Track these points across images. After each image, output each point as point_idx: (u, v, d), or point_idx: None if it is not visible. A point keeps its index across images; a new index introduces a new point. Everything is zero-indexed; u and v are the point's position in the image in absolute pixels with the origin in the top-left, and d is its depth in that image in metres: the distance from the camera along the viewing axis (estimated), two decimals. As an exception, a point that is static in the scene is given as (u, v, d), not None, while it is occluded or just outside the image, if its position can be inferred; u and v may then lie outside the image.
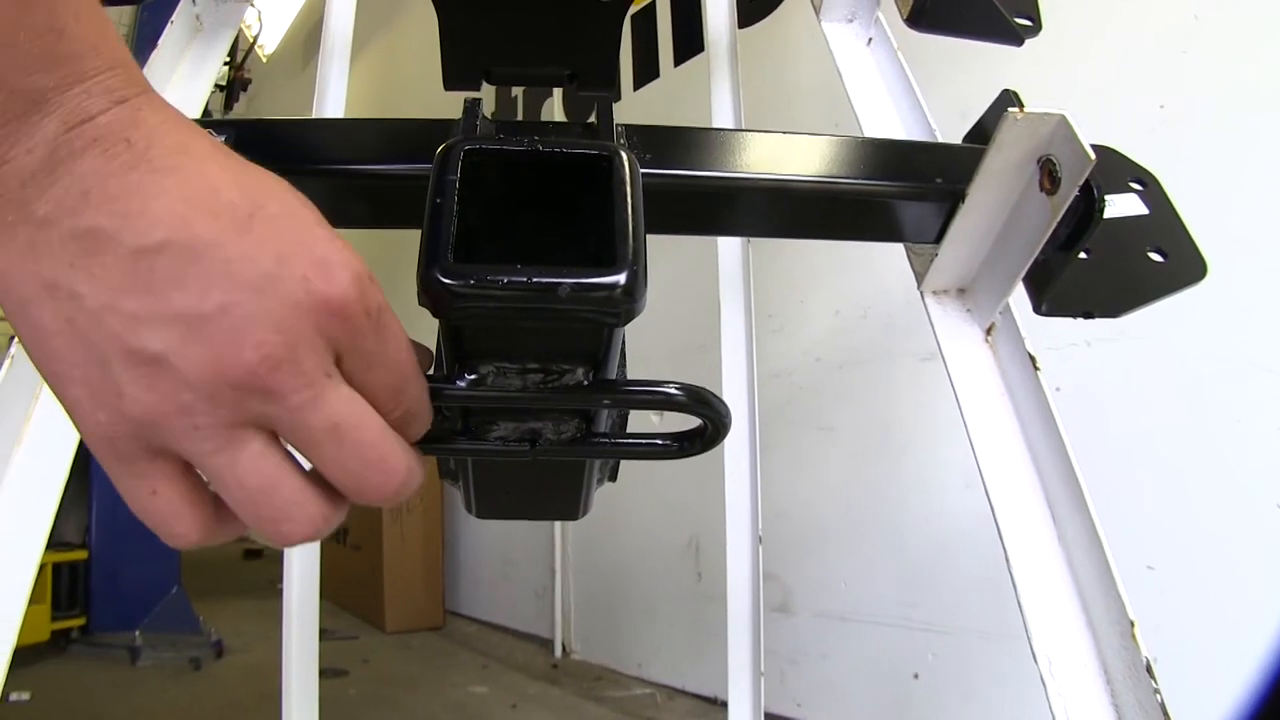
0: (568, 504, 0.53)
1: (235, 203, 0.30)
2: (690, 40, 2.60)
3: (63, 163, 0.29)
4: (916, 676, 1.85)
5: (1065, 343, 1.57)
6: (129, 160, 0.29)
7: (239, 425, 0.30)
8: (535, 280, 0.32)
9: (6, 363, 0.67)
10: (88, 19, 0.30)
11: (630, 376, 0.45)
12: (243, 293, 0.29)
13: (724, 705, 1.20)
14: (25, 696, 2.46)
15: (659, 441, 0.43)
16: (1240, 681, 0.63)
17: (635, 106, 2.76)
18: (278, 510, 0.31)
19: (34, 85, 0.29)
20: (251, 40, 5.58)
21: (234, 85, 5.33)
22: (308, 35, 5.88)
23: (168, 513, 0.31)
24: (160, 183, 0.29)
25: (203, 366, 0.29)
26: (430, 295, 0.33)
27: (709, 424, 0.41)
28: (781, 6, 2.31)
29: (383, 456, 0.32)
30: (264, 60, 6.68)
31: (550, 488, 0.54)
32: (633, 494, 2.61)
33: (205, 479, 0.32)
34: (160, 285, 0.28)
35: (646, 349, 2.33)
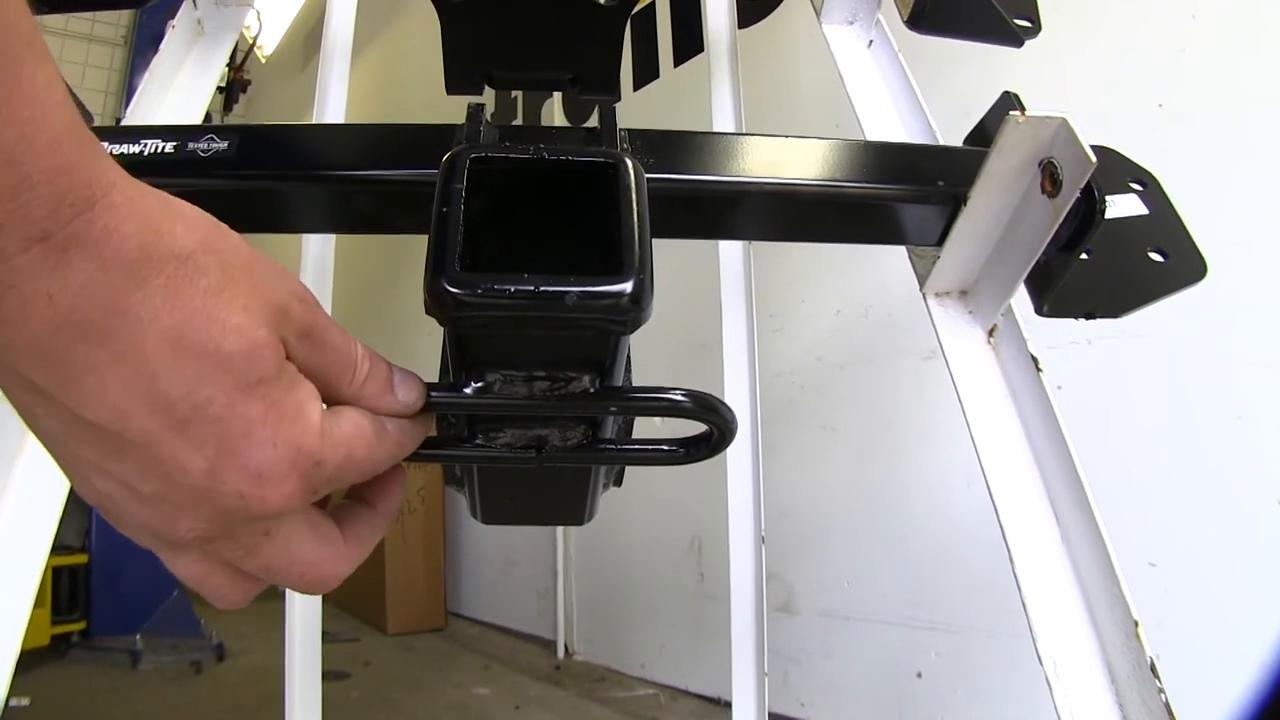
0: (573, 509, 0.54)
1: (173, 400, 0.27)
2: (690, 40, 2.60)
3: None
4: (920, 675, 1.85)
5: (1066, 341, 1.58)
6: (52, 320, 0.25)
7: (176, 548, 0.32)
8: (542, 289, 0.32)
9: (10, 370, 0.67)
10: (8, 112, 0.23)
11: (633, 375, 0.45)
12: (176, 492, 0.29)
13: (727, 705, 1.20)
14: (25, 702, 2.46)
15: (665, 447, 0.43)
16: (1242, 677, 0.63)
17: (635, 107, 2.76)
18: (206, 593, 0.35)
19: None
20: (251, 41, 5.57)
21: (233, 86, 5.32)
22: (307, 36, 5.87)
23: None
24: (91, 356, 0.26)
25: (142, 523, 0.30)
26: (437, 304, 0.33)
27: (715, 430, 0.41)
28: (781, 6, 2.31)
29: (309, 584, 0.34)
30: (263, 61, 6.68)
31: (556, 493, 0.54)
32: (634, 494, 2.61)
33: None
34: (103, 451, 0.28)
35: (648, 348, 2.34)
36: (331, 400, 0.34)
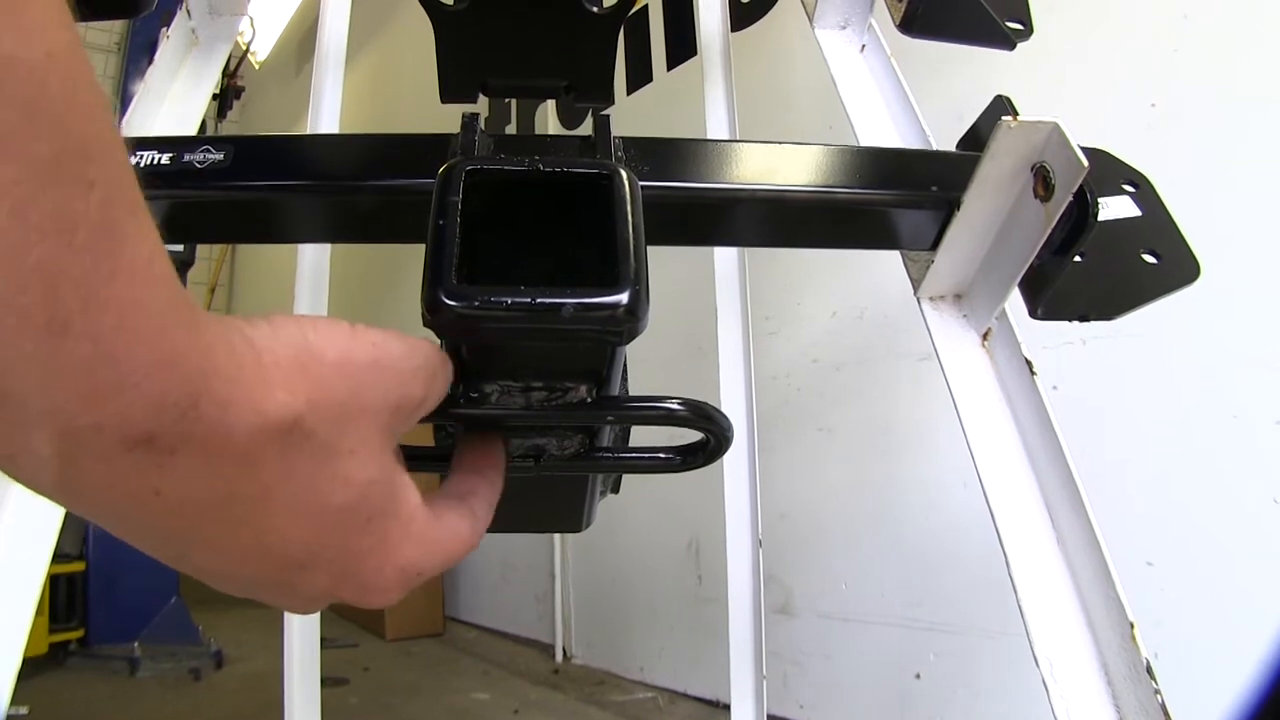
0: (571, 516, 0.54)
1: (290, 554, 0.28)
2: (683, 44, 2.60)
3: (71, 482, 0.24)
4: (919, 676, 1.85)
5: (1061, 341, 1.58)
6: (161, 510, 0.25)
7: None
8: (539, 301, 0.32)
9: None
10: (106, 294, 0.21)
11: (629, 380, 0.46)
12: (294, 597, 0.31)
13: (726, 708, 1.20)
14: (23, 711, 2.45)
15: (662, 454, 0.44)
16: (1240, 673, 0.63)
17: (629, 110, 2.76)
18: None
19: (13, 391, 0.21)
20: (244, 48, 5.57)
21: (227, 93, 5.32)
22: (300, 42, 5.87)
23: None
24: (204, 533, 0.26)
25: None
26: (435, 317, 0.33)
27: (711, 437, 0.41)
28: (774, 9, 2.31)
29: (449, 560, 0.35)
30: (256, 68, 6.68)
31: (553, 501, 0.54)
32: (632, 497, 2.61)
33: None
34: (214, 579, 0.30)
35: (644, 353, 2.33)
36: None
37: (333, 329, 0.28)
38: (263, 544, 0.27)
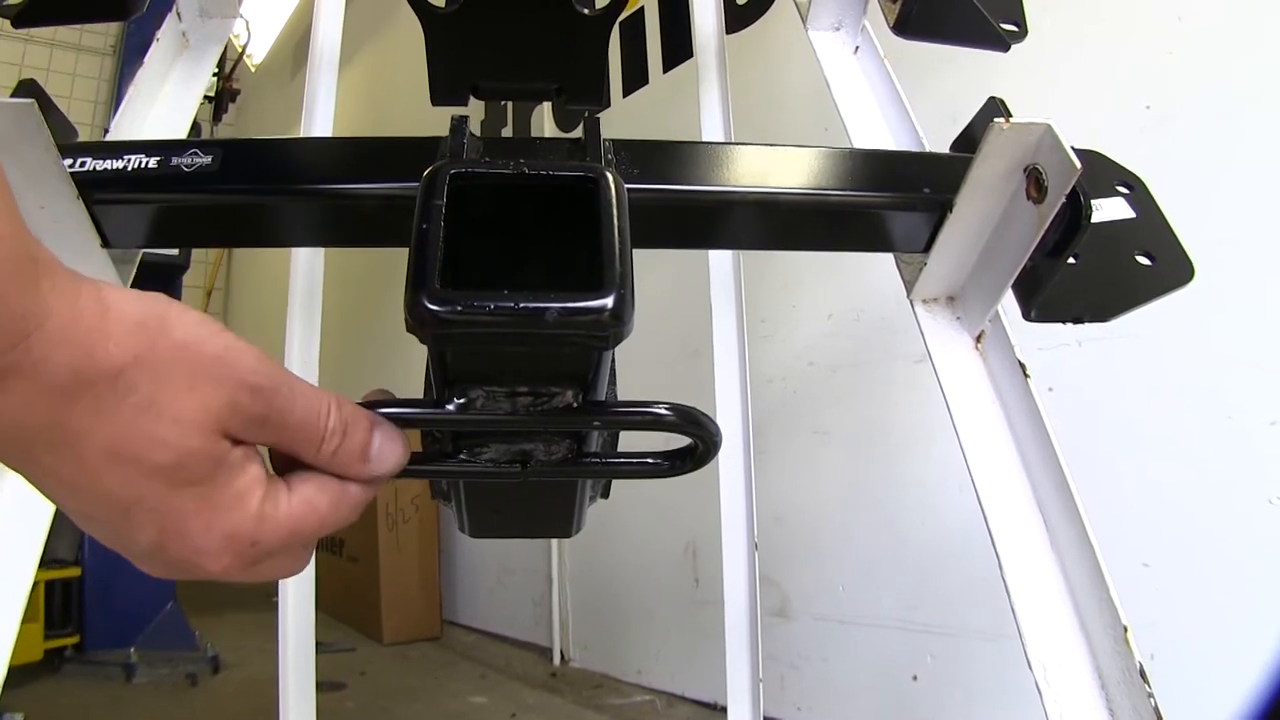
0: (560, 522, 0.53)
1: (113, 494, 0.31)
2: (679, 46, 2.60)
3: None
4: (916, 679, 1.85)
5: (1056, 343, 1.58)
6: None
7: None
8: (522, 305, 0.32)
9: (-5, 386, 0.66)
10: None
11: (622, 378, 0.45)
12: (135, 550, 0.33)
13: (724, 711, 1.19)
14: (18, 718, 2.44)
15: (650, 460, 0.43)
16: (1237, 673, 0.63)
17: (626, 113, 2.76)
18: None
19: None
20: (240, 50, 5.56)
21: (223, 96, 5.30)
22: (296, 44, 5.87)
23: None
24: (37, 459, 0.30)
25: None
26: (418, 322, 0.33)
27: (699, 443, 0.41)
28: (769, 12, 2.31)
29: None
30: (252, 70, 6.67)
31: (543, 506, 0.53)
32: (628, 501, 2.61)
33: None
34: (71, 512, 0.33)
35: (640, 355, 2.33)
36: (302, 464, 0.36)
37: (200, 320, 0.32)
38: (88, 478, 0.30)
